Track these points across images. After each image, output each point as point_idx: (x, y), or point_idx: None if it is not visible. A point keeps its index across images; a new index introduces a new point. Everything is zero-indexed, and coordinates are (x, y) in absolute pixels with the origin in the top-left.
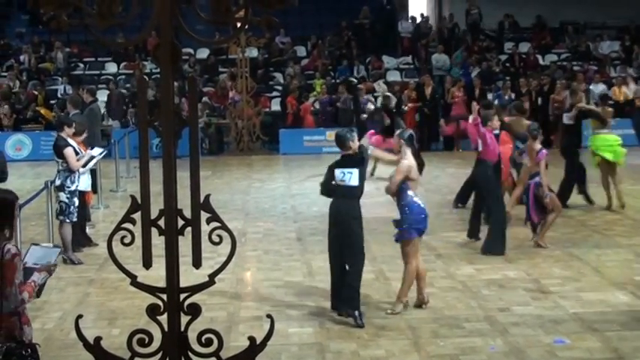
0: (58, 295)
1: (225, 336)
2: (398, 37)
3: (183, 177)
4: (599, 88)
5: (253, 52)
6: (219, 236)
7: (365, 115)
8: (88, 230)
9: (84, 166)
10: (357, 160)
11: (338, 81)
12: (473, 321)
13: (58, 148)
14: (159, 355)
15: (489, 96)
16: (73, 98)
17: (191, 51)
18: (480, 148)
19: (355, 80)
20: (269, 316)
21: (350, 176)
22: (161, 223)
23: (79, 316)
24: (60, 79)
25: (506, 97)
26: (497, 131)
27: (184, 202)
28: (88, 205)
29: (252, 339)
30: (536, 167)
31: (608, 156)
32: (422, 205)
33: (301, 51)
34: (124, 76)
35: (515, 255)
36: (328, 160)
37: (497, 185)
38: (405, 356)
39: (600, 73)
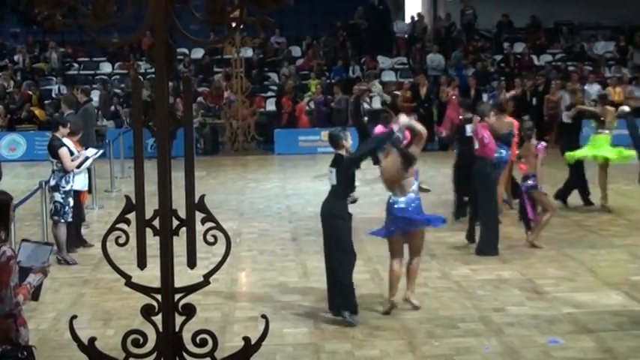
0: (52, 296)
1: (219, 336)
2: (393, 38)
3: (178, 177)
4: (593, 88)
5: (248, 52)
6: (214, 236)
7: (366, 118)
8: (82, 230)
9: (78, 166)
10: (341, 160)
11: (333, 81)
12: (468, 321)
13: (53, 148)
14: (153, 356)
15: (484, 96)
16: (67, 98)
17: (186, 51)
18: (477, 147)
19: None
20: (264, 316)
21: (331, 175)
22: (156, 223)
23: (74, 317)
24: (54, 79)
25: (501, 97)
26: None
27: (179, 202)
28: (82, 204)
29: (246, 339)
30: (534, 162)
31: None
32: (399, 206)
33: (296, 51)
34: (118, 76)
35: (510, 255)
36: (323, 160)
37: (494, 183)
38: (399, 356)
39: (595, 73)
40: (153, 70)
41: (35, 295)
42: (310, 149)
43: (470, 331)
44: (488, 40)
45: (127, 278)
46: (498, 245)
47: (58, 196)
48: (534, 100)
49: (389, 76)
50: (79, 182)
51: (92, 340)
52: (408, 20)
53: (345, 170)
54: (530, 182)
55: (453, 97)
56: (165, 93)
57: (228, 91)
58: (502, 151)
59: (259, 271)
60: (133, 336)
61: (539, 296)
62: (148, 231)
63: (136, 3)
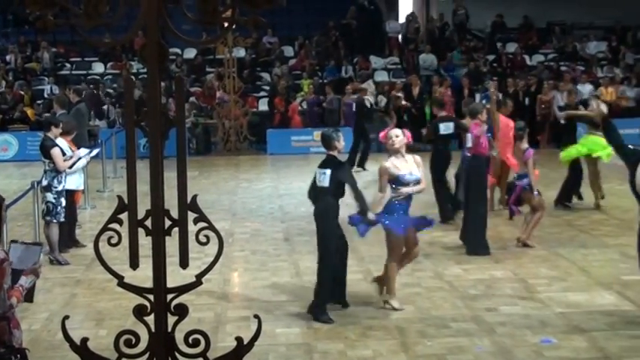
0: (44, 296)
1: (212, 336)
2: (385, 38)
3: (170, 177)
4: (586, 88)
5: (241, 52)
6: (207, 236)
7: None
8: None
9: (71, 166)
10: (334, 162)
11: (325, 81)
12: (460, 321)
13: (45, 149)
14: (146, 356)
15: (477, 96)
16: (59, 98)
17: (178, 51)
18: (469, 145)
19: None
20: (256, 316)
21: (324, 177)
22: (148, 223)
23: (66, 317)
24: (46, 79)
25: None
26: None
27: (171, 202)
28: (76, 204)
29: (239, 339)
30: (524, 167)
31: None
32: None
33: (288, 51)
34: (110, 76)
35: (502, 255)
36: (316, 160)
37: (486, 182)
38: (392, 356)
39: (587, 73)
40: (145, 70)
41: (29, 296)
42: (303, 149)
43: (462, 331)
44: (481, 40)
45: (120, 278)
46: (489, 245)
47: (50, 197)
48: (527, 101)
49: (381, 76)
50: (74, 181)
51: (84, 340)
52: (401, 20)
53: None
54: (525, 181)
55: (446, 93)
56: (158, 93)
57: (220, 91)
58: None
59: (252, 271)
60: (125, 336)
61: (531, 296)
62: (141, 231)
63: (128, 3)
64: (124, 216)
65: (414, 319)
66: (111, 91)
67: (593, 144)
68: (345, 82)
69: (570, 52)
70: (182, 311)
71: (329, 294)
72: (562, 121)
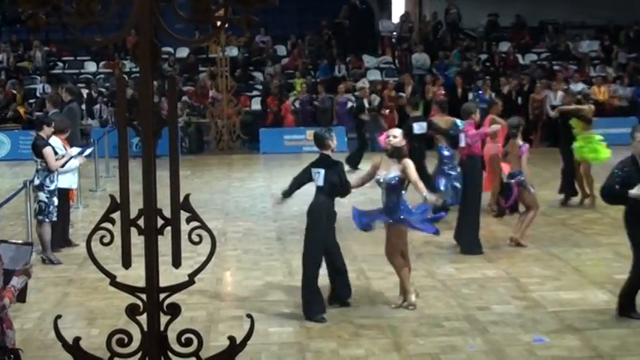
0: (36, 295)
1: (204, 336)
2: (378, 37)
3: (162, 176)
4: (578, 87)
5: (233, 51)
6: (199, 236)
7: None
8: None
9: (63, 165)
10: (328, 161)
11: (318, 80)
12: (453, 320)
13: (37, 148)
14: (138, 355)
15: (470, 95)
16: (52, 97)
17: (171, 50)
18: (463, 144)
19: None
20: (249, 315)
21: (318, 176)
22: (140, 222)
23: (58, 317)
24: (39, 78)
25: (487, 97)
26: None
27: (164, 201)
28: (70, 202)
29: (232, 338)
30: (518, 163)
31: (590, 156)
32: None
33: (281, 50)
34: (103, 75)
35: (495, 254)
36: (308, 160)
37: (480, 182)
38: (385, 355)
39: (579, 72)
40: (137, 69)
41: (21, 296)
42: (295, 148)
43: (455, 330)
44: (473, 39)
45: (112, 278)
46: (482, 244)
47: (42, 196)
48: (519, 100)
49: (374, 75)
50: (68, 180)
51: (77, 339)
52: (393, 20)
53: (341, 180)
54: (520, 177)
55: (438, 92)
56: (150, 92)
57: (213, 90)
58: (445, 152)
59: (244, 270)
60: (117, 335)
61: (524, 295)
62: (133, 230)
63: (121, 2)
64: (116, 215)
65: (407, 318)
66: (103, 90)
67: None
68: (337, 82)
69: (563, 52)
70: (174, 310)
71: (315, 292)
72: (552, 115)
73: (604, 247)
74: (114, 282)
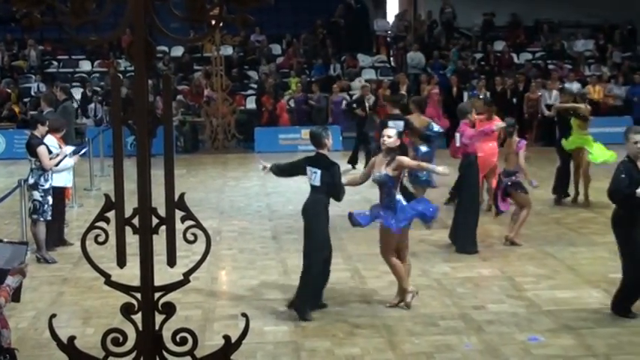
0: (31, 295)
1: (200, 335)
2: (373, 36)
3: (157, 175)
4: (573, 86)
5: (228, 50)
6: (194, 235)
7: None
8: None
9: (57, 164)
10: (325, 162)
11: (313, 79)
12: (448, 319)
13: (31, 147)
14: (133, 355)
15: (465, 94)
16: (47, 96)
17: (165, 49)
18: (458, 144)
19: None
20: (244, 314)
21: (315, 176)
22: (135, 221)
23: (53, 316)
24: (33, 76)
25: (481, 97)
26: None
27: (159, 200)
28: (66, 200)
29: (227, 338)
30: (515, 160)
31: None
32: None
33: (276, 49)
34: (98, 74)
35: (490, 253)
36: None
37: (477, 181)
38: (380, 354)
39: (574, 71)
40: (132, 67)
41: (16, 296)
42: (290, 147)
43: (450, 329)
44: (469, 38)
45: (107, 277)
46: (477, 243)
47: (37, 195)
48: (514, 99)
49: (369, 74)
50: (63, 178)
51: (72, 338)
52: (388, 18)
53: (335, 183)
54: (513, 179)
55: (433, 91)
56: (145, 91)
57: (208, 89)
58: (422, 148)
59: (239, 269)
60: (112, 335)
61: (519, 294)
62: (128, 229)
63: (115, 0)
64: (111, 214)
65: (402, 317)
66: (98, 89)
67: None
68: (332, 81)
69: (558, 51)
70: (169, 310)
71: (313, 294)
72: (547, 114)
73: (599, 246)
74: (109, 281)
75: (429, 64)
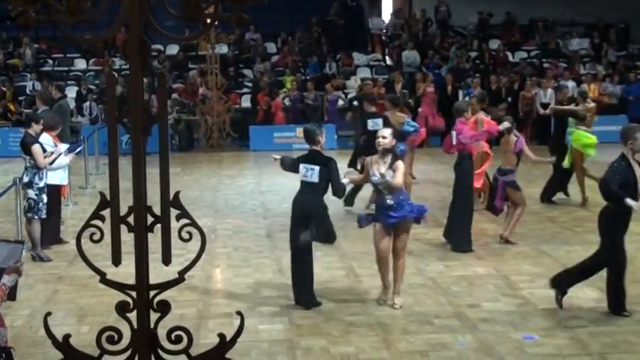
0: (26, 293)
1: (195, 333)
2: (368, 34)
3: (152, 173)
4: (568, 85)
5: (223, 49)
6: (189, 233)
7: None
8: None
9: (51, 163)
10: (321, 158)
11: (308, 77)
12: (442, 317)
13: (26, 145)
14: (128, 353)
15: (460, 93)
16: (42, 94)
17: (160, 47)
18: (454, 142)
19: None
20: (239, 312)
21: (312, 173)
22: (130, 220)
23: (48, 314)
24: (28, 75)
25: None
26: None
27: (154, 198)
28: (62, 198)
29: (222, 336)
30: (512, 158)
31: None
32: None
33: (271, 47)
34: (93, 73)
35: (485, 252)
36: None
37: (471, 180)
38: (374, 352)
39: (569, 70)
40: (127, 66)
41: (11, 294)
42: (285, 146)
43: (445, 327)
44: (464, 37)
45: (102, 275)
46: (472, 241)
47: (31, 193)
48: (509, 98)
49: (364, 73)
50: (58, 176)
51: (67, 336)
52: (384, 17)
53: (334, 179)
54: (509, 177)
55: (428, 89)
56: (140, 89)
57: (203, 88)
58: (400, 146)
59: (234, 267)
60: (107, 333)
61: (513, 292)
62: (123, 227)
63: None
64: (106, 212)
65: (397, 315)
66: (93, 87)
67: (583, 143)
68: (327, 79)
69: (553, 49)
70: (164, 308)
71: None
72: (542, 112)
73: (594, 245)
74: (104, 279)
75: (424, 63)
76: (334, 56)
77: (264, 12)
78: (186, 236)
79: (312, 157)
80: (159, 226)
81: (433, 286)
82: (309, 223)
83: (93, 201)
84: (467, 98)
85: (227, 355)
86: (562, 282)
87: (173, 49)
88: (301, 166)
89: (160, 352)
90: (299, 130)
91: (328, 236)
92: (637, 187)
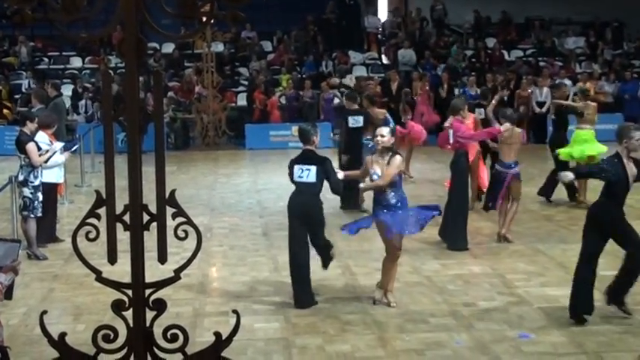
0: (22, 291)
1: (190, 331)
2: (364, 33)
3: (148, 172)
4: (564, 83)
5: (219, 47)
6: (185, 231)
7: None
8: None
9: (47, 161)
10: (317, 158)
11: (304, 76)
12: (438, 316)
13: (21, 144)
14: (124, 351)
15: (456, 91)
16: (37, 92)
17: (156, 45)
18: (451, 140)
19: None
20: (235, 311)
21: (308, 173)
22: (126, 218)
23: (44, 312)
24: (24, 73)
25: (473, 94)
26: None
27: (150, 197)
28: (58, 196)
29: (217, 334)
30: (518, 150)
31: (574, 153)
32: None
33: (267, 46)
34: (88, 71)
35: (481, 250)
36: (294, 155)
37: (467, 178)
38: (370, 351)
39: (565, 68)
40: (123, 64)
41: (8, 293)
42: (281, 144)
43: (440, 326)
44: (460, 35)
45: (98, 273)
46: (468, 240)
47: (27, 192)
48: (505, 96)
49: (360, 71)
50: (54, 174)
51: (62, 335)
52: (380, 15)
53: (332, 178)
54: (516, 169)
55: (424, 88)
56: (136, 87)
57: (199, 86)
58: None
59: (230, 266)
60: (103, 331)
61: (509, 291)
62: (119, 226)
63: None
64: (102, 211)
65: (393, 314)
66: (89, 85)
67: (584, 141)
68: (323, 77)
69: (549, 48)
70: (160, 306)
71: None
72: (537, 110)
73: None
74: (99, 278)
75: (420, 63)
76: (330, 54)
77: (260, 10)
78: (182, 235)
79: (307, 157)
80: (154, 224)
81: (429, 285)
82: (309, 223)
83: (89, 199)
84: (462, 97)
85: (223, 354)
86: (615, 294)
87: (169, 48)
88: (296, 167)
89: (155, 350)
90: (295, 129)
91: (328, 248)
92: (628, 186)
